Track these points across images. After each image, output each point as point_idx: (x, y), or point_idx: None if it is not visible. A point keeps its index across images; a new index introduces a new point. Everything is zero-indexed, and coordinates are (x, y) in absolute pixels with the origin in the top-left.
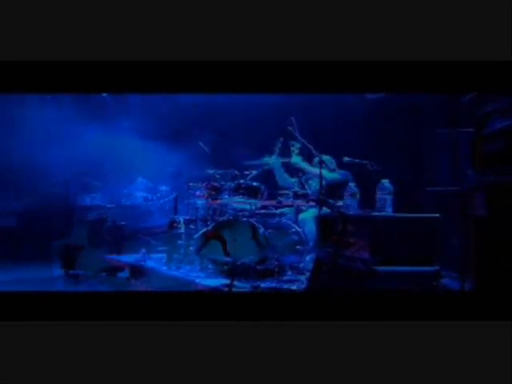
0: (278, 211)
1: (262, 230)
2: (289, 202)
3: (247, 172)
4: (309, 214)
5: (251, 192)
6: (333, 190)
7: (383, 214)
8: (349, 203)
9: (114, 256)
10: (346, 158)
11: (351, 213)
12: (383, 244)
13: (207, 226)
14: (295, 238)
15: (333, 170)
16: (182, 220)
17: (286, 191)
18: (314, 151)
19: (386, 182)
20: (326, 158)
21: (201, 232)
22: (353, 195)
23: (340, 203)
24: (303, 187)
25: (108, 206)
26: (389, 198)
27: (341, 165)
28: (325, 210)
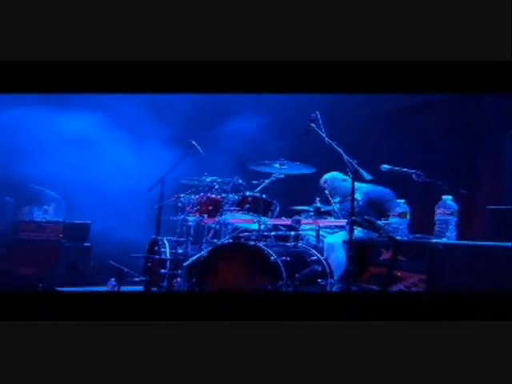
0: (292, 233)
1: (273, 258)
2: (310, 220)
3: (255, 182)
4: (338, 239)
5: (260, 207)
6: (373, 209)
7: (444, 240)
8: (396, 225)
9: (70, 288)
10: (385, 166)
11: (401, 238)
12: (444, 280)
13: (201, 250)
14: (317, 268)
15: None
16: (166, 242)
17: (306, 207)
18: (345, 156)
19: (448, 199)
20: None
21: (192, 258)
22: (401, 215)
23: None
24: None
25: (66, 222)
26: (452, 219)
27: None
28: (358, 232)
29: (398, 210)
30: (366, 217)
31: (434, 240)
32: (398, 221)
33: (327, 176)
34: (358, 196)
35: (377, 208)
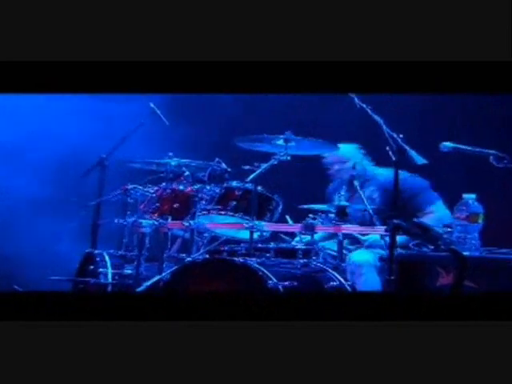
0: (301, 245)
1: (271, 282)
2: (329, 226)
3: (247, 167)
4: (368, 256)
5: (253, 206)
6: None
7: None
8: (462, 234)
9: None
10: (446, 144)
11: (470, 253)
12: None
13: (161, 271)
14: None
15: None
16: (107, 258)
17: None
18: (385, 128)
19: None
20: None
21: (147, 284)
22: (471, 218)
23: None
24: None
25: None
26: None
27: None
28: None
29: (466, 210)
30: (415, 220)
31: None
32: (464, 227)
33: (347, 149)
34: (371, 187)
35: (402, 204)
